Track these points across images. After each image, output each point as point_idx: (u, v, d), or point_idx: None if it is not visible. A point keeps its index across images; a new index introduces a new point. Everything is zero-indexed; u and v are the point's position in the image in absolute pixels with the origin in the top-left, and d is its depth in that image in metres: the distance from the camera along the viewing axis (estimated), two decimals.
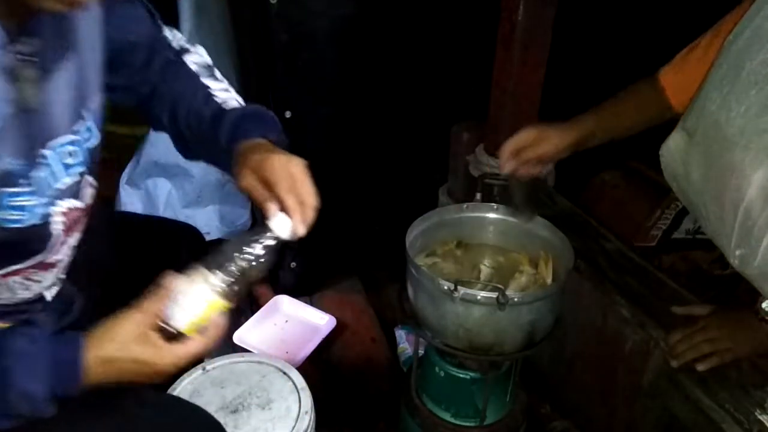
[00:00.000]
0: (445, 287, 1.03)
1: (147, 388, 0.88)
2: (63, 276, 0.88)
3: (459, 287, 1.01)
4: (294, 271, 1.84)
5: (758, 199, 0.86)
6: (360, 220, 1.90)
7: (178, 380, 1.05)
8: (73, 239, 0.85)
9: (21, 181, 0.70)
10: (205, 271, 0.75)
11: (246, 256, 0.76)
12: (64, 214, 0.79)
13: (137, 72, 0.94)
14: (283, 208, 0.80)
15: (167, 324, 0.73)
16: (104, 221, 1.15)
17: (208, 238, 1.48)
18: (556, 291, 1.09)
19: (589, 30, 1.74)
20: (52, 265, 0.82)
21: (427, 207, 1.25)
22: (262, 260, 0.78)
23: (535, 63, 1.40)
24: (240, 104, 0.95)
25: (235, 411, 1.01)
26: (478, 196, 1.29)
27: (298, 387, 1.05)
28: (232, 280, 0.75)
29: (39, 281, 0.82)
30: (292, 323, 1.74)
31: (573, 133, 1.15)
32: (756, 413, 1.01)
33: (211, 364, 1.09)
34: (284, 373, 1.08)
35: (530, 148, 1.15)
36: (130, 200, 2.04)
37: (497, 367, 1.20)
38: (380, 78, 1.70)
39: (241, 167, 0.84)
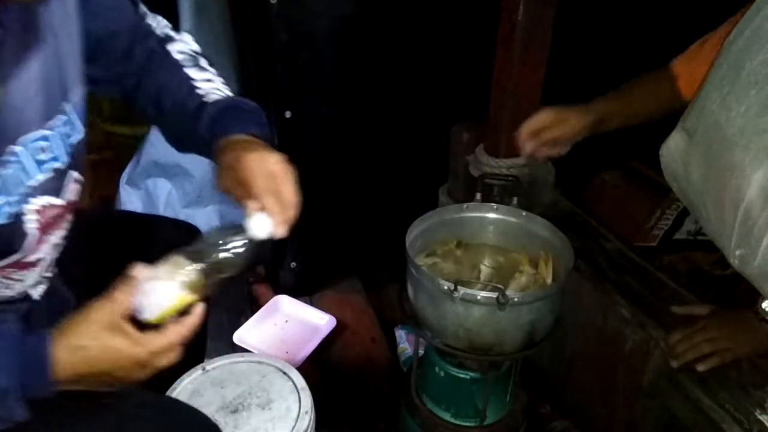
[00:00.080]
0: (445, 287, 1.03)
1: (144, 389, 0.87)
2: (49, 274, 0.86)
3: (459, 287, 1.01)
4: (294, 271, 1.84)
5: (758, 199, 0.86)
6: (360, 220, 1.90)
7: (178, 380, 1.05)
8: (55, 237, 0.82)
9: None
10: (178, 263, 0.73)
11: (221, 252, 0.75)
12: (38, 212, 0.76)
13: (119, 63, 0.91)
14: (263, 208, 0.78)
15: (137, 315, 0.70)
16: (102, 220, 1.15)
17: None
18: (556, 291, 1.09)
19: (589, 30, 1.74)
20: (32, 264, 0.80)
21: (427, 207, 1.25)
22: (238, 258, 0.76)
23: (535, 63, 1.40)
24: (223, 95, 0.92)
25: (235, 411, 1.01)
26: (478, 196, 1.29)
27: (298, 387, 1.05)
28: (205, 274, 0.74)
29: (21, 280, 0.80)
30: (292, 323, 1.74)
31: (590, 115, 1.18)
32: (756, 413, 1.01)
33: (211, 364, 1.09)
34: (284, 373, 1.08)
35: (548, 129, 1.18)
36: (130, 200, 2.05)
37: (497, 367, 1.20)
38: (380, 78, 1.70)
39: (218, 167, 0.82)
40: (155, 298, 0.71)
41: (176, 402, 0.97)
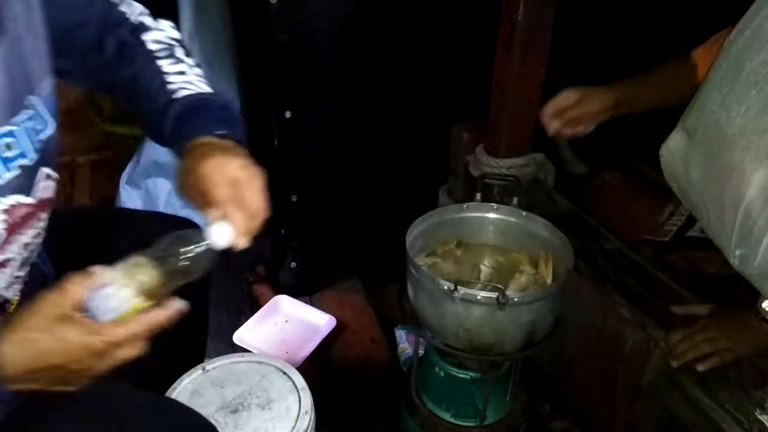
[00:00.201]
0: (445, 287, 1.03)
1: (143, 389, 0.87)
2: (21, 274, 0.82)
3: (459, 287, 1.01)
4: (294, 271, 1.84)
5: (758, 199, 0.86)
6: (360, 220, 1.90)
7: (178, 380, 1.05)
8: (26, 237, 0.79)
9: None
10: (138, 266, 0.69)
11: (182, 258, 0.71)
12: (6, 211, 0.73)
13: (90, 55, 0.87)
14: (225, 216, 0.73)
15: (87, 315, 0.66)
16: (102, 218, 1.14)
17: None
18: (556, 291, 1.09)
19: (588, 30, 1.74)
20: (1, 265, 0.77)
21: (427, 207, 1.25)
22: (198, 265, 0.73)
23: (535, 63, 1.40)
24: (193, 91, 0.86)
25: (235, 411, 1.01)
26: (478, 196, 1.29)
27: (298, 387, 1.05)
28: (163, 281, 0.70)
29: None
30: (292, 323, 1.74)
31: (612, 95, 1.20)
32: (756, 413, 1.01)
33: (211, 364, 1.09)
34: (284, 373, 1.08)
35: (571, 108, 1.20)
36: (130, 200, 2.05)
37: (497, 367, 1.20)
38: (380, 78, 1.70)
39: (179, 171, 0.77)
40: (109, 304, 0.67)
41: (174, 402, 0.97)
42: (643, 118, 1.26)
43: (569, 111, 1.21)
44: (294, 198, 1.75)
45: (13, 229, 0.75)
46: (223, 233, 0.73)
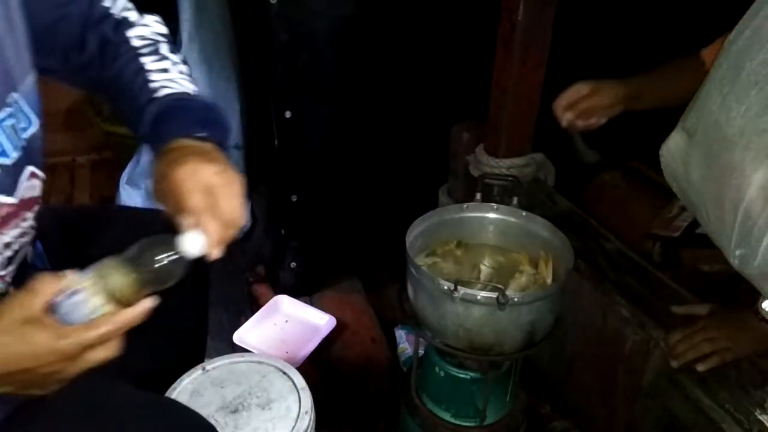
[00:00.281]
0: (445, 287, 1.03)
1: (142, 389, 0.87)
2: (2, 273, 0.81)
3: (459, 287, 1.01)
4: (294, 271, 1.84)
5: (758, 199, 0.86)
6: (360, 220, 1.90)
7: (178, 380, 1.05)
8: (8, 237, 0.78)
9: None
10: (109, 272, 0.68)
11: (155, 266, 0.69)
12: None
13: (72, 53, 0.85)
14: (198, 225, 0.71)
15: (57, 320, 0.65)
16: (102, 216, 1.13)
17: None
18: (556, 291, 1.09)
19: (588, 30, 1.74)
20: None
21: (427, 207, 1.25)
22: (170, 274, 0.71)
23: (535, 63, 1.40)
24: (173, 90, 0.83)
25: (235, 411, 1.01)
26: (478, 196, 1.29)
27: (298, 387, 1.05)
28: (133, 288, 0.68)
29: None
30: (292, 323, 1.74)
31: (624, 88, 1.22)
32: (756, 413, 1.01)
33: (211, 364, 1.09)
34: (284, 373, 1.08)
35: (583, 99, 1.22)
36: (130, 200, 2.05)
37: (497, 367, 1.20)
38: (380, 78, 1.70)
39: (153, 176, 0.74)
40: (80, 311, 0.66)
41: (173, 403, 0.97)
42: (643, 118, 1.27)
43: (581, 102, 1.23)
44: (294, 198, 1.75)
45: None
46: (196, 243, 0.71)
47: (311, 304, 1.81)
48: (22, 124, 0.75)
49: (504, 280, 1.19)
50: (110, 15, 0.87)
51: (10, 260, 0.81)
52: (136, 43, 0.86)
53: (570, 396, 1.46)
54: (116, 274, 0.68)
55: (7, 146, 0.73)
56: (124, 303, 0.67)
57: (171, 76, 0.85)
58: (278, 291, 1.83)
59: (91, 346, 0.64)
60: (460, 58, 1.73)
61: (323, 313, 1.75)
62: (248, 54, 1.91)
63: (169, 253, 0.70)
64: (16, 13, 0.74)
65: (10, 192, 0.75)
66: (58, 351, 0.62)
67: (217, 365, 1.09)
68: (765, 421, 1.00)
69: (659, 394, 1.17)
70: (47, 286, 0.64)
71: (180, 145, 0.76)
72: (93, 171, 2.60)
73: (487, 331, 1.06)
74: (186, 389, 1.04)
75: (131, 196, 2.05)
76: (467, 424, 1.23)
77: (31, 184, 0.79)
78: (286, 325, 1.74)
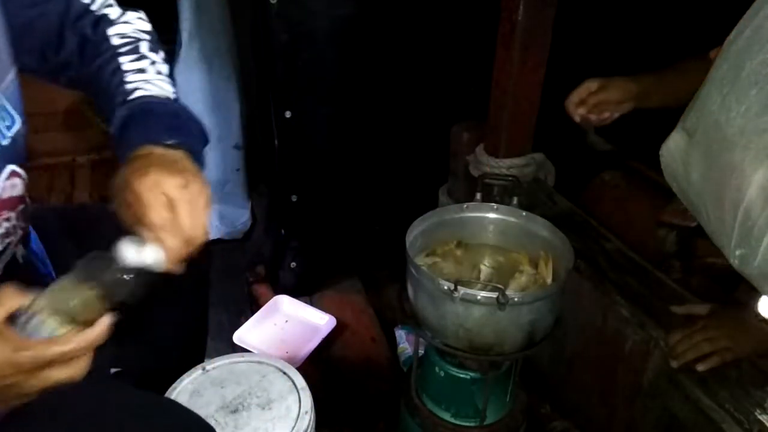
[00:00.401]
0: (445, 287, 1.03)
1: (141, 389, 0.87)
2: None
3: (459, 287, 1.01)
4: (294, 271, 1.84)
5: (758, 199, 0.86)
6: (360, 220, 1.90)
7: (179, 380, 1.05)
8: None
9: None
10: (66, 292, 0.65)
11: (114, 282, 0.66)
12: None
13: (51, 50, 0.83)
14: (158, 239, 0.68)
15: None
16: (102, 215, 1.12)
17: None
18: (556, 291, 1.09)
19: (588, 30, 1.74)
20: None
21: (427, 207, 1.25)
22: (130, 291, 0.68)
23: (535, 63, 1.40)
24: (150, 91, 0.80)
25: (235, 411, 1.01)
26: (478, 196, 1.29)
27: (298, 387, 1.05)
28: (91, 306, 0.65)
29: None
30: (292, 323, 1.74)
31: (634, 85, 1.24)
32: (756, 413, 1.01)
33: (211, 364, 1.09)
34: (284, 373, 1.08)
35: (594, 95, 1.25)
36: None
37: (497, 367, 1.20)
38: (380, 78, 1.70)
39: (114, 185, 0.71)
40: (38, 333, 0.63)
41: (173, 403, 0.97)
42: (651, 116, 1.27)
43: (592, 98, 1.26)
44: (294, 198, 1.75)
45: None
46: (155, 258, 0.68)
47: (311, 304, 1.81)
48: (6, 122, 0.74)
49: (504, 280, 1.19)
50: (90, 12, 0.85)
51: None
52: (115, 41, 0.84)
53: (570, 396, 1.46)
54: (67, 294, 0.65)
55: None
56: (82, 321, 0.65)
57: (147, 76, 0.82)
58: (278, 291, 1.83)
59: (51, 363, 0.62)
60: (460, 58, 1.73)
61: (323, 313, 1.75)
62: (248, 54, 1.91)
63: (126, 271, 0.67)
64: None
65: None
66: (15, 363, 0.60)
67: (217, 365, 1.09)
68: (765, 421, 1.00)
69: (659, 394, 1.17)
70: (10, 300, 0.62)
71: (146, 152, 0.73)
72: (93, 171, 2.60)
73: (487, 331, 1.06)
74: (186, 389, 1.04)
75: None
76: (467, 424, 1.23)
77: (11, 183, 0.77)
78: (286, 325, 1.74)
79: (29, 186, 0.84)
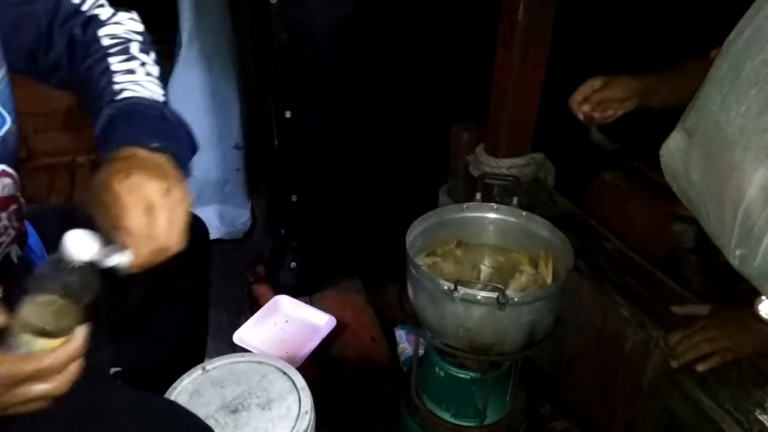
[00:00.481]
0: (445, 287, 1.03)
1: (141, 389, 0.87)
2: None
3: (459, 287, 1.01)
4: (294, 271, 1.84)
5: (758, 199, 0.86)
6: (360, 220, 1.90)
7: (179, 380, 1.05)
8: None
9: None
10: (25, 310, 0.62)
11: (79, 289, 0.64)
12: None
13: (39, 51, 0.82)
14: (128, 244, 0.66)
15: None
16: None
17: None
18: (556, 291, 1.09)
19: (589, 30, 1.74)
20: None
21: (427, 207, 1.25)
22: (89, 289, 0.65)
23: (535, 63, 1.40)
24: (137, 93, 0.78)
25: (235, 411, 1.01)
26: (478, 196, 1.29)
27: (298, 387, 1.05)
28: (55, 318, 0.63)
29: None
30: (292, 323, 1.74)
31: (637, 83, 1.24)
32: (756, 413, 1.01)
33: (211, 364, 1.09)
34: (284, 373, 1.08)
35: (598, 92, 1.24)
36: None
37: (497, 367, 1.20)
38: (380, 78, 1.70)
39: (93, 184, 0.69)
40: (14, 351, 0.61)
41: (172, 404, 0.97)
42: (644, 117, 1.27)
43: (596, 94, 1.26)
44: (294, 198, 1.75)
45: None
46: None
47: (311, 304, 1.81)
48: None
49: (504, 280, 1.19)
50: (80, 12, 0.84)
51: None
52: (105, 42, 0.82)
53: (570, 396, 1.46)
54: (32, 308, 0.63)
55: None
56: (57, 330, 0.62)
57: (136, 77, 0.80)
58: (278, 291, 1.83)
59: (27, 378, 0.60)
60: (460, 58, 1.73)
61: (323, 313, 1.75)
62: (248, 54, 1.91)
63: (66, 268, 0.65)
64: None
65: None
66: None
67: (217, 365, 1.09)
68: (765, 421, 1.00)
69: (659, 394, 1.17)
70: None
71: (129, 153, 0.71)
72: (93, 171, 2.59)
73: (487, 331, 1.06)
74: (186, 389, 1.04)
75: None
76: (467, 424, 1.23)
77: (1, 183, 0.76)
78: (286, 325, 1.74)
79: (29, 186, 0.83)
